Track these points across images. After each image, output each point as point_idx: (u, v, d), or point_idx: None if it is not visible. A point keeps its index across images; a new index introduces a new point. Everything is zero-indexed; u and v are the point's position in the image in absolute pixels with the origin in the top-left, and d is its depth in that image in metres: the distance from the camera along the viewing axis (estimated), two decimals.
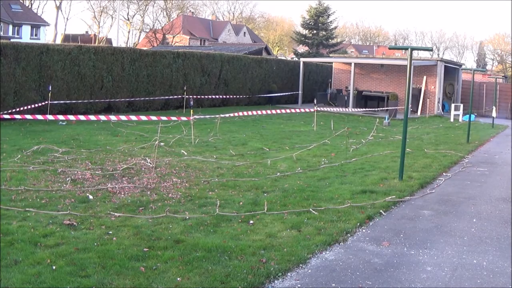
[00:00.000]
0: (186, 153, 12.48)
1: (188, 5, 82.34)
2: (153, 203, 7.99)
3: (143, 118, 13.63)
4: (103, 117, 12.83)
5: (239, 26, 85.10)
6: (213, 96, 26.42)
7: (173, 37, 68.55)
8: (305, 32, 59.42)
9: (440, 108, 30.55)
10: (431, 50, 13.32)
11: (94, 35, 70.08)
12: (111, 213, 7.31)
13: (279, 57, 53.46)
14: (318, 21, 57.54)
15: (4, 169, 9.64)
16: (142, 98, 22.57)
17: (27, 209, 7.26)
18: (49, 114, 17.34)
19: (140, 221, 7.05)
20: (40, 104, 17.85)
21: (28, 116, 11.89)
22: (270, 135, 17.00)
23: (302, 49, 67.07)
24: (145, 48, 36.81)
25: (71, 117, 12.73)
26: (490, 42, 78.98)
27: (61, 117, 13.03)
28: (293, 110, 22.91)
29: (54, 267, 5.31)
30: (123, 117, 13.26)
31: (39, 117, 12.39)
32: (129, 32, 73.73)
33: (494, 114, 25.98)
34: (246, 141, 15.20)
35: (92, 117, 12.87)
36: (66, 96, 19.47)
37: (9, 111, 16.30)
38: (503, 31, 77.38)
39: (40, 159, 10.87)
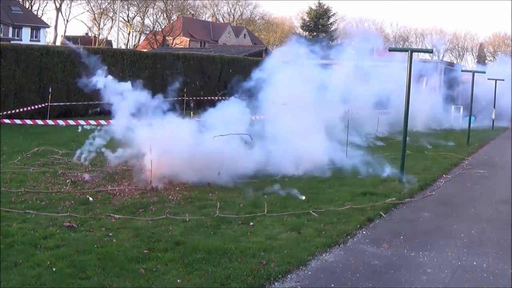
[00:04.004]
0: None
1: (188, 7, 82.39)
2: (153, 205, 7.99)
3: None
4: (103, 121, 12.80)
5: (239, 28, 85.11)
6: (214, 98, 26.41)
7: (173, 39, 68.58)
8: (305, 34, 59.47)
9: None
10: (431, 52, 13.37)
11: (94, 37, 70.11)
12: (111, 215, 7.31)
13: None
14: (318, 23, 57.61)
15: (4, 171, 9.63)
16: None
17: (27, 211, 7.26)
18: (49, 115, 17.35)
19: (140, 223, 7.04)
20: (40, 106, 17.86)
21: (28, 121, 11.90)
22: None
23: None
24: (145, 50, 36.81)
25: (71, 122, 12.71)
26: (490, 44, 79.21)
27: (61, 122, 13.01)
28: None
29: (54, 269, 5.30)
30: None
31: (39, 122, 12.39)
32: (129, 34, 73.80)
33: (493, 116, 25.93)
34: None
35: (92, 122, 12.84)
36: (66, 98, 19.47)
37: (9, 112, 16.29)
38: (502, 32, 77.36)
39: (40, 161, 10.88)
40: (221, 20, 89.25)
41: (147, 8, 72.01)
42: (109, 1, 67.33)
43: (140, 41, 74.82)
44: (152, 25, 74.45)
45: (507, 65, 28.94)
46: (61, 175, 9.69)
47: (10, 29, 60.35)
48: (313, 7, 58.27)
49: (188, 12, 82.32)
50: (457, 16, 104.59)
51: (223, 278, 5.32)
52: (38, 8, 67.92)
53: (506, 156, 15.84)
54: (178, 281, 5.21)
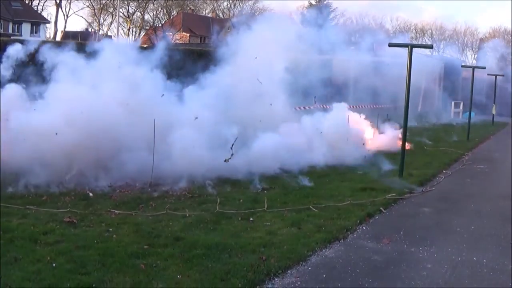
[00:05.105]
0: None
1: (188, 3, 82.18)
2: (153, 200, 7.99)
3: None
4: None
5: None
6: None
7: (173, 34, 68.47)
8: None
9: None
10: (432, 47, 13.31)
11: (94, 32, 69.96)
12: (111, 210, 7.31)
13: None
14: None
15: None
16: None
17: (27, 206, 7.26)
18: None
19: (140, 219, 7.04)
20: None
21: None
22: None
23: None
24: (145, 46, 36.73)
25: None
26: (490, 39, 78.98)
27: None
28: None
29: (54, 265, 5.30)
30: None
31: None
32: (129, 29, 73.64)
33: (494, 111, 25.93)
34: None
35: None
36: None
37: None
38: (502, 27, 76.95)
39: None
40: (221, 15, 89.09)
41: (147, 4, 71.90)
42: None
43: (140, 37, 74.69)
44: (152, 20, 74.35)
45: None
46: None
47: (10, 25, 60.24)
48: (313, 2, 58.07)
49: (188, 8, 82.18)
50: (457, 12, 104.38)
51: (223, 274, 5.32)
52: (38, 4, 67.77)
53: (506, 152, 15.84)
54: (178, 276, 5.21)
